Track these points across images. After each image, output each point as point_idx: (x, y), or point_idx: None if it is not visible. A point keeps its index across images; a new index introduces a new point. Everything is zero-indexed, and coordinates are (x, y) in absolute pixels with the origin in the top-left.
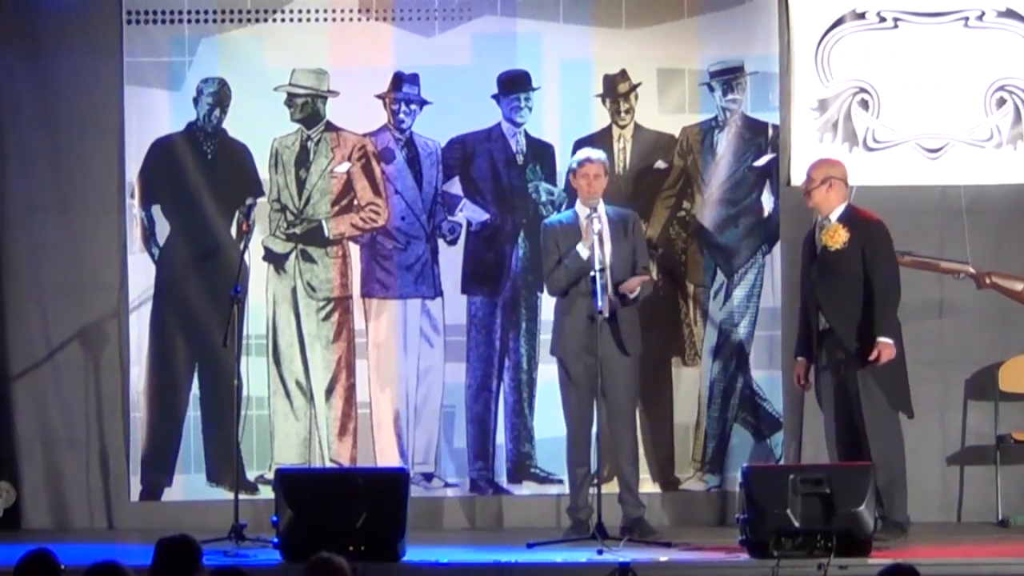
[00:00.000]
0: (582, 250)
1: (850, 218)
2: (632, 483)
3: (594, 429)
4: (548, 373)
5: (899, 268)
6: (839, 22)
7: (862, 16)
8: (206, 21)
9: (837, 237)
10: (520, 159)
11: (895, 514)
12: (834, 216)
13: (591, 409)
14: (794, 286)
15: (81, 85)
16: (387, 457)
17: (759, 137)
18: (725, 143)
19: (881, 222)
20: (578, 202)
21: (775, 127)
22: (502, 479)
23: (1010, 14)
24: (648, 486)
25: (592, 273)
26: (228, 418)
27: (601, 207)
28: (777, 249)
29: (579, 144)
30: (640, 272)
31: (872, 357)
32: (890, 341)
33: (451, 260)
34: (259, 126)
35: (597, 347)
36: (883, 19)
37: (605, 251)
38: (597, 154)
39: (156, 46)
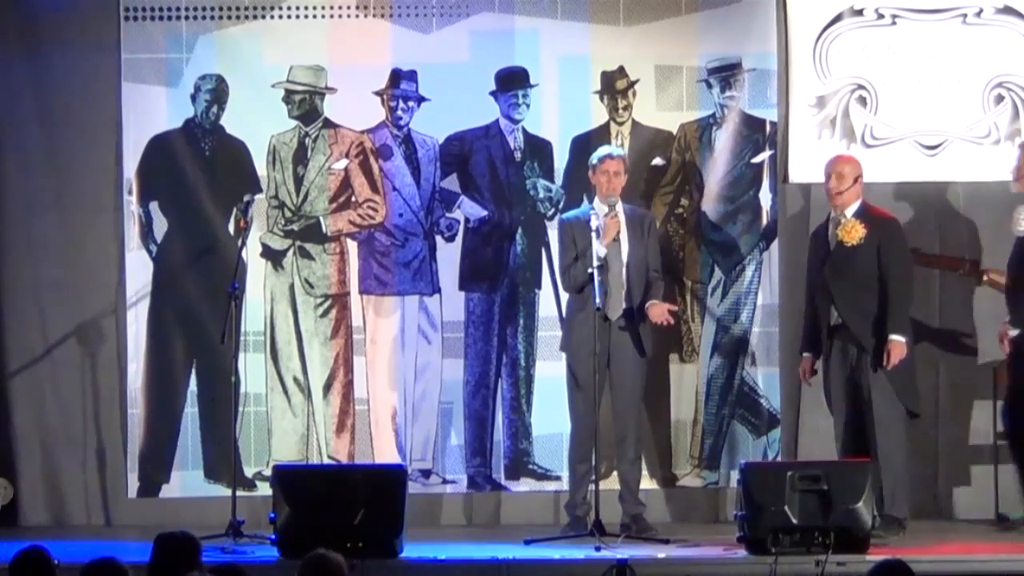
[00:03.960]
0: (600, 248)
1: (865, 214)
2: (632, 483)
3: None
4: (546, 370)
5: (913, 266)
6: (837, 19)
7: (860, 13)
8: (204, 18)
9: (854, 233)
10: (518, 156)
11: (895, 511)
12: (849, 212)
13: (597, 407)
14: (792, 282)
15: (79, 82)
16: (385, 454)
17: (757, 134)
18: (723, 140)
19: (895, 219)
20: (596, 199)
21: (773, 124)
22: (500, 476)
23: (1008, 11)
24: (646, 483)
25: (590, 270)
26: (226, 415)
27: (619, 205)
28: (775, 246)
29: (577, 141)
30: (652, 276)
31: (885, 362)
32: (902, 339)
33: (449, 257)
34: (257, 123)
35: (608, 345)
36: (881, 16)
37: (622, 250)
38: (618, 151)
39: (154, 43)
